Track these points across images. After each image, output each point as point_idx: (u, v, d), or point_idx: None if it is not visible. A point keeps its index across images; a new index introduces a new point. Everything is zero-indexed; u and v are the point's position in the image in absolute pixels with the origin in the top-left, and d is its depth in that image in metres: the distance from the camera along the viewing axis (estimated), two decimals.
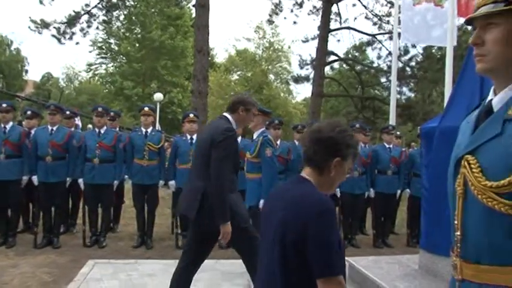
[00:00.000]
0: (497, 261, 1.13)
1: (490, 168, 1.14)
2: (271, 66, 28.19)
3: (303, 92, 43.94)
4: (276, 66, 28.25)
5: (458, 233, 1.24)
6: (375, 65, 20.94)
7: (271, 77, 28.68)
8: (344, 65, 24.64)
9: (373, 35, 18.78)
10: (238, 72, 31.07)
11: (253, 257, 3.09)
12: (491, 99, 1.24)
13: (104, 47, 35.06)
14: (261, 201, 4.79)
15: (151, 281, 4.82)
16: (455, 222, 1.25)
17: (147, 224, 6.36)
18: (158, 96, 21.31)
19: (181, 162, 6.31)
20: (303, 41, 19.86)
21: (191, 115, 6.61)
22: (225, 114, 3.61)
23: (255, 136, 5.38)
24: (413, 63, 18.86)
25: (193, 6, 12.53)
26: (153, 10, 32.02)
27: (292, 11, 18.70)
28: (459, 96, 3.43)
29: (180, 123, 7.35)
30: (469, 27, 18.48)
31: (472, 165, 1.18)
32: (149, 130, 6.38)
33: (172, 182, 6.35)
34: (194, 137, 6.45)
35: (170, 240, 6.60)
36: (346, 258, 4.28)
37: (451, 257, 1.30)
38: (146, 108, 6.50)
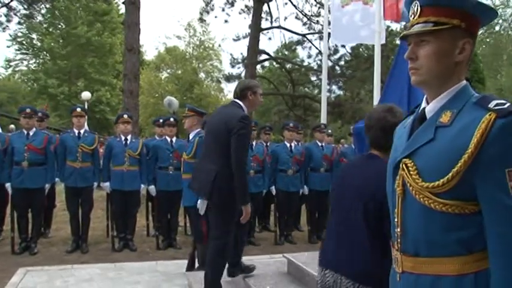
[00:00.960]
0: (433, 253, 1.28)
1: (426, 170, 1.28)
2: (202, 64, 28.07)
3: (233, 90, 43.96)
4: (207, 64, 28.16)
5: (399, 229, 1.38)
6: (305, 63, 21.48)
7: (202, 75, 28.59)
8: (274, 64, 25.03)
9: (304, 35, 19.24)
10: (168, 70, 30.65)
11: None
12: (424, 108, 1.39)
13: (24, 42, 33.23)
14: (199, 202, 4.82)
15: (89, 286, 4.74)
16: (396, 219, 1.39)
17: (81, 228, 6.21)
18: (86, 95, 20.57)
19: (116, 163, 6.22)
20: (234, 40, 19.96)
21: (125, 116, 6.51)
22: (236, 100, 3.81)
23: (190, 137, 5.41)
24: (342, 63, 19.54)
25: (123, 3, 12.20)
26: (78, 5, 30.77)
27: (223, 9, 18.75)
28: (388, 97, 3.65)
29: (113, 123, 7.25)
30: (395, 29, 19.45)
31: (410, 168, 1.32)
32: (82, 131, 6.23)
33: (107, 184, 6.24)
34: (128, 137, 6.38)
35: (106, 243, 6.49)
36: (284, 254, 4.45)
37: (392, 251, 1.44)
38: (78, 109, 6.33)
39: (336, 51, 18.81)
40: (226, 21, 19.13)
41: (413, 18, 1.35)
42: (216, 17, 19.51)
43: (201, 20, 20.41)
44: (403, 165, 1.35)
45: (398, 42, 21.40)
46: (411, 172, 1.31)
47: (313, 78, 22.57)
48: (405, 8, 1.44)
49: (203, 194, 3.81)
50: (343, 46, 17.69)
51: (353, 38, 10.48)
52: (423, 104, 1.41)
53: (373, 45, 13.32)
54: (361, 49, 18.52)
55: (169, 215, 6.56)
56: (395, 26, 18.60)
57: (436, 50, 1.31)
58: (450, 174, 1.21)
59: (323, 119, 9.96)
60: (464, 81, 1.35)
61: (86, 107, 16.22)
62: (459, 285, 1.23)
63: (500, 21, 22.83)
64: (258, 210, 7.20)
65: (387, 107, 2.15)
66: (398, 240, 1.38)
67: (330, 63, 17.69)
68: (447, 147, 1.24)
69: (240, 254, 4.31)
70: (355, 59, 18.78)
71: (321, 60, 19.30)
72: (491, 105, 1.21)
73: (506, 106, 1.19)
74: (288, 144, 7.16)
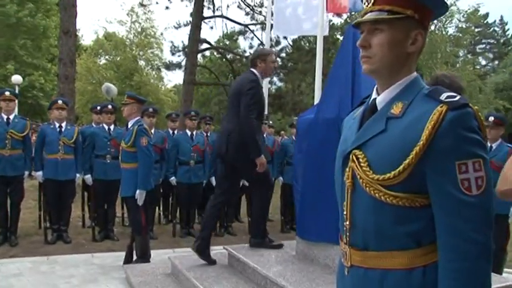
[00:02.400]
0: (383, 247, 1.27)
1: (377, 162, 1.26)
2: (143, 52, 27.37)
3: (173, 79, 43.35)
4: (148, 52, 27.48)
5: (348, 222, 1.35)
6: (247, 54, 21.45)
7: (142, 63, 27.88)
8: (215, 54, 24.82)
9: (246, 25, 19.20)
10: (107, 57, 29.62)
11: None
12: (375, 98, 1.38)
13: None
14: (137, 192, 4.70)
15: (18, 282, 4.47)
16: (345, 212, 1.36)
17: (10, 219, 5.87)
18: (16, 78, 19.39)
19: (49, 152, 5.93)
20: (175, 27, 19.67)
21: (60, 101, 6.22)
22: (251, 69, 4.19)
23: (129, 125, 5.23)
24: (283, 55, 19.69)
25: None
26: None
27: None
28: (332, 88, 3.66)
29: (47, 109, 6.90)
30: (336, 23, 19.80)
31: (360, 160, 1.30)
32: (11, 117, 5.87)
33: (39, 173, 5.94)
34: (63, 124, 6.09)
35: (38, 235, 6.20)
36: (225, 246, 4.42)
37: (340, 244, 1.42)
38: (7, 93, 5.94)
39: (277, 42, 18.94)
40: (167, 7, 18.88)
41: (367, 5, 1.34)
42: (157, 3, 19.02)
43: (142, 4, 19.90)
44: (353, 157, 1.32)
45: (339, 36, 21.95)
46: (361, 164, 1.29)
47: None
48: None
49: (220, 151, 4.17)
50: (285, 38, 17.86)
51: (295, 30, 10.55)
52: (373, 95, 1.40)
53: (314, 38, 13.52)
54: (302, 42, 18.74)
55: (106, 205, 6.36)
56: (337, 21, 19.01)
57: (389, 38, 1.30)
58: (402, 166, 1.20)
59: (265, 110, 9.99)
60: (415, 73, 1.35)
61: (17, 91, 15.36)
62: (408, 279, 1.23)
63: (436, 21, 23.92)
64: (198, 201, 7.12)
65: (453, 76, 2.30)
66: (347, 233, 1.36)
67: None
68: (399, 139, 1.24)
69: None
70: (297, 52, 18.99)
71: None
72: (443, 97, 1.21)
73: (457, 99, 1.20)
74: None
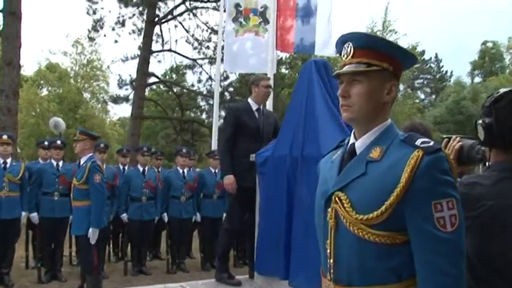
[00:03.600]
0: (366, 282, 1.34)
1: (359, 203, 1.35)
2: (88, 84, 26.80)
3: (118, 112, 42.63)
4: (93, 85, 26.94)
5: (331, 260, 1.42)
6: (195, 88, 21.54)
7: (87, 95, 27.28)
8: (162, 87, 24.72)
9: (194, 60, 19.32)
10: (49, 88, 28.72)
11: None
12: (353, 143, 1.47)
13: None
14: (90, 230, 4.56)
15: None
16: (328, 250, 1.43)
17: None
18: None
19: None
20: (123, 60, 19.49)
21: (4, 136, 5.99)
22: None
23: (82, 161, 5.10)
24: (231, 89, 19.90)
25: (1, 11, 11.20)
26: None
27: (113, 29, 18.26)
28: (287, 127, 3.76)
29: None
30: (283, 57, 20.24)
31: (343, 201, 1.38)
32: (8, 161, 5.83)
33: None
34: (8, 161, 5.85)
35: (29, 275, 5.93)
36: (181, 284, 4.34)
37: (323, 281, 1.48)
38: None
39: (226, 77, 19.15)
40: (116, 41, 18.64)
41: (346, 58, 1.45)
42: (105, 35, 18.85)
43: (90, 38, 19.65)
44: (336, 198, 1.40)
45: (284, 71, 22.48)
46: (345, 205, 1.37)
47: (202, 103, 22.68)
48: (337, 47, 1.51)
49: None
50: (232, 72, 18.08)
51: (243, 66, 10.69)
52: (351, 140, 1.50)
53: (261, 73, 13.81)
54: (251, 76, 19.04)
55: (53, 245, 6.09)
56: (283, 55, 19.51)
57: (367, 89, 1.41)
58: (384, 206, 1.29)
59: (214, 144, 9.99)
60: (389, 120, 1.47)
61: None
62: None
63: None
64: (150, 238, 6.98)
65: None
66: (331, 270, 1.42)
67: (220, 89, 17.95)
68: (379, 181, 1.33)
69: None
70: (245, 86, 19.25)
71: (210, 86, 19.55)
72: (418, 143, 1.33)
73: (431, 144, 1.32)
74: (181, 170, 7.08)
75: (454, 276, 1.25)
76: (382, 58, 1.41)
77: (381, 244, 1.32)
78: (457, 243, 1.27)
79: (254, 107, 4.34)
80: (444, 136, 2.06)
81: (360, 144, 1.45)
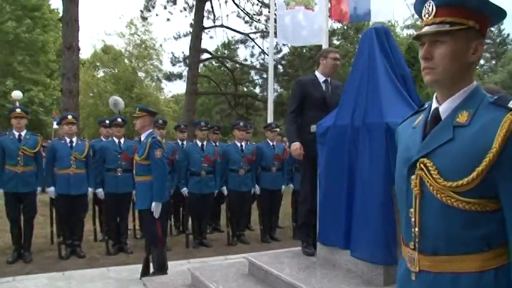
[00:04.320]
0: (454, 251, 1.29)
1: (447, 170, 1.28)
2: (142, 63, 27.42)
3: (172, 89, 43.44)
4: (147, 63, 27.53)
5: (416, 229, 1.37)
6: (248, 62, 21.49)
7: (142, 74, 27.93)
8: (213, 62, 24.85)
9: (247, 34, 19.25)
10: (105, 70, 29.62)
11: None
12: (437, 107, 1.39)
13: None
14: (153, 204, 4.69)
15: None
16: (412, 219, 1.38)
17: (24, 236, 5.85)
18: (17, 94, 19.35)
19: (61, 167, 5.90)
20: (175, 38, 19.73)
21: (69, 116, 6.22)
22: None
23: (142, 138, 5.23)
24: (284, 62, 19.72)
25: None
26: None
27: (165, 7, 18.46)
28: (347, 96, 3.68)
29: (46, 124, 6.89)
30: (336, 27, 19.79)
31: (430, 168, 1.32)
32: (23, 133, 5.87)
33: (51, 189, 5.91)
34: (74, 139, 6.08)
35: (51, 251, 6.16)
36: (243, 255, 4.40)
37: (406, 251, 1.43)
38: (18, 110, 5.97)
39: (279, 50, 18.99)
40: (168, 19, 18.87)
41: (428, 17, 1.36)
42: (157, 15, 19.12)
43: (143, 18, 19.99)
44: (421, 165, 1.34)
45: (336, 42, 21.97)
46: (431, 172, 1.31)
47: (256, 77, 22.63)
48: (416, 7, 1.43)
49: None
50: (285, 45, 17.91)
51: (296, 38, 10.58)
52: (434, 104, 1.42)
53: (314, 45, 13.58)
54: (305, 50, 18.76)
55: (118, 219, 6.34)
56: (336, 26, 19.06)
57: (452, 50, 1.32)
58: (475, 173, 1.22)
59: (270, 118, 10.00)
60: (475, 82, 1.37)
61: None
62: (480, 282, 1.25)
63: None
64: (209, 212, 7.12)
65: None
66: (417, 239, 1.37)
67: (274, 63, 17.85)
68: (468, 147, 1.26)
69: None
70: (298, 58, 19.05)
71: (263, 59, 19.46)
72: (511, 104, 1.23)
73: None
74: (239, 144, 7.12)
75: None
76: (467, 15, 1.31)
77: (470, 212, 1.25)
78: None
79: (321, 79, 4.35)
80: None
81: (444, 109, 1.37)
